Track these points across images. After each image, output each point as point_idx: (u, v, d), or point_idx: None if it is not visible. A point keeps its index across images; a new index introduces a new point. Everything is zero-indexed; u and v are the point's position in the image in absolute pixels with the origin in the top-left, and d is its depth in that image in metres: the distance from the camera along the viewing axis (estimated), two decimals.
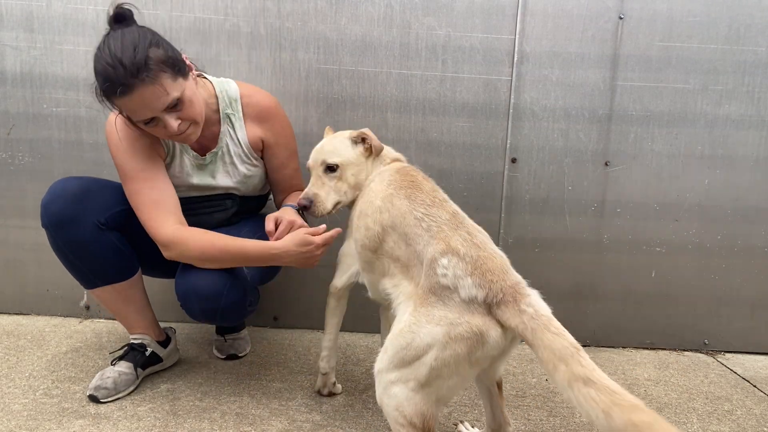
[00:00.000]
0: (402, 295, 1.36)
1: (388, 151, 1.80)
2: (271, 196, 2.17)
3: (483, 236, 1.37)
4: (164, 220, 1.73)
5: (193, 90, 1.68)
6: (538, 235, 2.47)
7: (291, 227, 1.77)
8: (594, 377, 1.04)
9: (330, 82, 2.38)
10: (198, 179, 1.90)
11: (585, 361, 1.07)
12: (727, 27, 2.35)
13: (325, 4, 2.33)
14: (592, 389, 1.03)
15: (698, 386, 2.18)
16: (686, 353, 2.53)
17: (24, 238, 2.48)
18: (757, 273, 2.51)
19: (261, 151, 1.97)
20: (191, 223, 1.90)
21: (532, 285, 1.29)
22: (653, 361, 2.41)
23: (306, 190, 1.73)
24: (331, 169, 1.70)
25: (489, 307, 1.21)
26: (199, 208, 1.95)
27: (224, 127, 1.88)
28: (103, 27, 2.33)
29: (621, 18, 2.34)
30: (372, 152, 1.73)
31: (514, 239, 2.47)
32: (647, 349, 2.55)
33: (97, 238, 1.76)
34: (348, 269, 1.74)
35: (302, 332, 2.51)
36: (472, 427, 1.75)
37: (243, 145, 1.91)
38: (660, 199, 2.45)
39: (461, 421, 1.78)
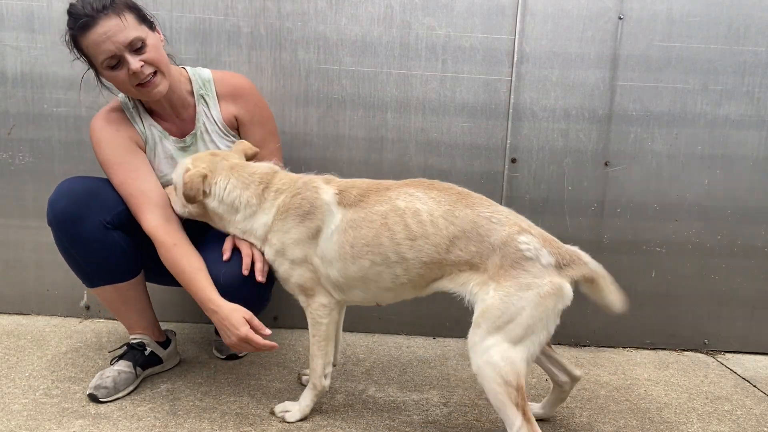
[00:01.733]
0: (475, 286, 1.53)
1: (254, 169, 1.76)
2: None
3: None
4: (149, 212, 1.79)
5: (158, 43, 1.76)
6: None
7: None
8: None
9: (330, 82, 2.38)
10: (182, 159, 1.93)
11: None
12: (727, 27, 2.35)
13: (325, 4, 2.33)
14: None
15: (698, 386, 2.18)
16: (686, 353, 2.53)
17: (24, 238, 2.48)
18: (757, 273, 2.51)
19: (236, 129, 2.00)
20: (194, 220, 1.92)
21: None
22: (653, 361, 2.41)
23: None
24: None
25: (559, 268, 1.50)
26: None
27: (200, 108, 1.94)
28: None
29: (621, 18, 2.34)
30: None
31: None
32: (647, 349, 2.55)
33: (102, 237, 1.77)
34: (323, 282, 1.69)
35: (302, 332, 2.51)
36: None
37: (218, 123, 1.96)
38: (660, 199, 2.45)
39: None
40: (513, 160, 2.42)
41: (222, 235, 1.89)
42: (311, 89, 2.38)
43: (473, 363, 1.48)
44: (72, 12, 1.66)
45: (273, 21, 2.33)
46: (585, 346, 2.55)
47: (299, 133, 2.40)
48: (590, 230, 2.48)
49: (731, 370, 2.36)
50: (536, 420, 1.78)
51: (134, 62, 1.68)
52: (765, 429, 1.87)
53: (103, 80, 1.81)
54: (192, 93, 1.94)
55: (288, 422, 1.73)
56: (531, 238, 1.51)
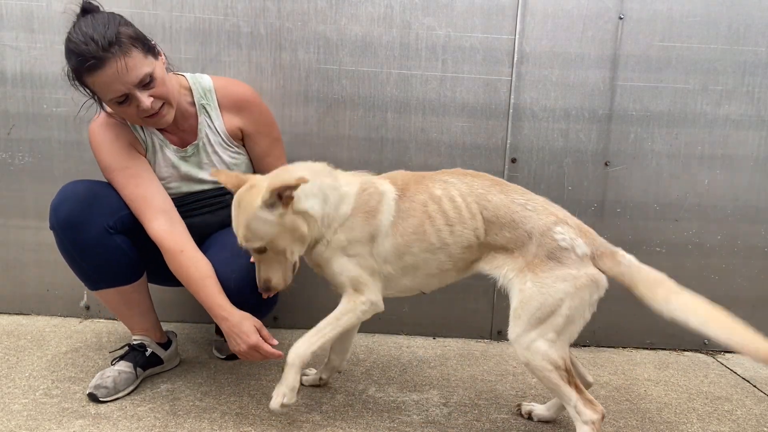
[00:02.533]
0: (510, 271, 1.56)
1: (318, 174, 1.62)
2: None
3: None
4: (153, 218, 1.78)
5: (164, 72, 1.73)
6: None
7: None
8: (682, 290, 1.49)
9: (330, 82, 2.38)
10: (186, 169, 1.92)
11: (672, 283, 1.51)
12: (727, 27, 2.35)
13: (325, 4, 2.33)
14: (683, 295, 1.47)
15: (698, 386, 2.18)
16: (686, 353, 2.53)
17: (24, 238, 2.48)
18: (757, 273, 2.51)
19: (241, 140, 1.99)
20: (198, 223, 1.93)
21: None
22: (653, 361, 2.41)
23: (257, 273, 1.62)
24: (260, 251, 1.56)
25: (593, 259, 1.54)
26: (202, 207, 1.97)
27: (201, 118, 1.91)
28: None
29: (621, 18, 2.34)
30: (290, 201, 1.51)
31: None
32: (647, 349, 2.55)
33: (105, 241, 1.77)
34: (377, 279, 1.66)
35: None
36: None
37: (221, 134, 1.94)
38: (660, 199, 2.45)
39: (519, 405, 1.87)
40: (513, 160, 2.42)
41: (229, 236, 1.88)
42: (311, 89, 2.38)
43: (519, 355, 1.54)
44: (74, 50, 1.57)
45: (273, 21, 2.33)
46: (585, 346, 2.55)
47: (299, 133, 2.40)
48: None
49: (731, 370, 2.36)
50: (541, 422, 1.81)
51: (145, 100, 1.64)
52: (765, 429, 1.87)
53: (106, 107, 1.79)
54: (193, 103, 1.90)
55: (286, 404, 1.61)
56: (567, 228, 1.54)
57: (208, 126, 1.92)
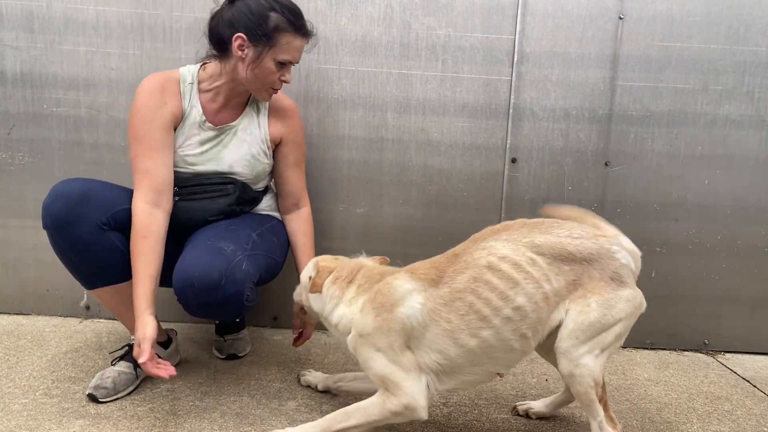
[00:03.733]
0: (570, 303, 1.51)
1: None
2: (267, 199, 2.17)
3: None
4: (145, 193, 1.81)
5: None
6: None
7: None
8: None
9: (330, 82, 2.38)
10: (208, 145, 1.95)
11: None
12: (727, 27, 2.35)
13: (325, 4, 2.33)
14: None
15: (698, 386, 2.18)
16: (686, 353, 2.53)
17: (24, 238, 2.48)
18: (757, 273, 2.51)
19: (277, 146, 2.07)
20: (197, 208, 1.95)
21: None
22: (653, 361, 2.41)
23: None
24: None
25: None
26: (204, 191, 1.97)
27: (249, 109, 2.00)
28: (103, 27, 2.34)
29: (621, 18, 2.34)
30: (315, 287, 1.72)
31: None
32: (647, 349, 2.55)
33: (99, 239, 1.77)
34: (418, 378, 1.53)
35: None
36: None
37: (263, 131, 2.02)
38: (660, 199, 2.46)
39: (515, 407, 1.88)
40: (513, 160, 2.42)
41: (211, 233, 1.87)
42: (311, 89, 2.38)
43: (564, 368, 1.50)
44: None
45: None
46: None
47: None
48: None
49: (731, 370, 2.36)
50: (538, 418, 1.82)
51: (289, 75, 1.92)
52: (765, 429, 1.87)
53: (259, 64, 1.84)
54: (249, 94, 1.99)
55: None
56: (618, 246, 1.54)
57: (252, 117, 2.00)
